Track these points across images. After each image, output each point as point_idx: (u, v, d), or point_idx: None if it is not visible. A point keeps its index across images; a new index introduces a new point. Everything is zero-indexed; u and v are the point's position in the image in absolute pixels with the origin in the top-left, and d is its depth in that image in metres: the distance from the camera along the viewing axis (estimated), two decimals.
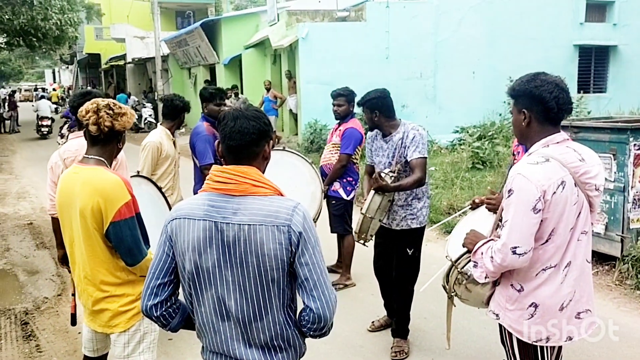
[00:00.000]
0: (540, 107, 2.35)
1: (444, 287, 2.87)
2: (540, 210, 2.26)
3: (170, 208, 3.60)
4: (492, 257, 2.36)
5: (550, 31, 14.69)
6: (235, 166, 1.87)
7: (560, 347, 2.55)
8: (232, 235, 1.81)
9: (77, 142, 3.52)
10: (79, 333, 4.57)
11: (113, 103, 2.64)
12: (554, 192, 2.27)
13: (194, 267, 1.86)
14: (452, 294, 2.81)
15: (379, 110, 3.96)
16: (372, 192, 3.83)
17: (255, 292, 1.83)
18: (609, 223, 5.35)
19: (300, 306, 1.93)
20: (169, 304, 1.96)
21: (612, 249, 5.36)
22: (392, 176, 3.84)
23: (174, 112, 4.78)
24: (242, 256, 1.81)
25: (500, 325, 2.57)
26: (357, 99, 4.31)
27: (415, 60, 14.04)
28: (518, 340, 2.46)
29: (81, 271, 2.66)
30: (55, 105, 22.89)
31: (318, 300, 1.83)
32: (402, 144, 3.89)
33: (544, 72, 2.45)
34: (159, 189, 3.68)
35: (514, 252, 2.27)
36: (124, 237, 2.54)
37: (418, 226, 4.03)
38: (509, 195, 2.32)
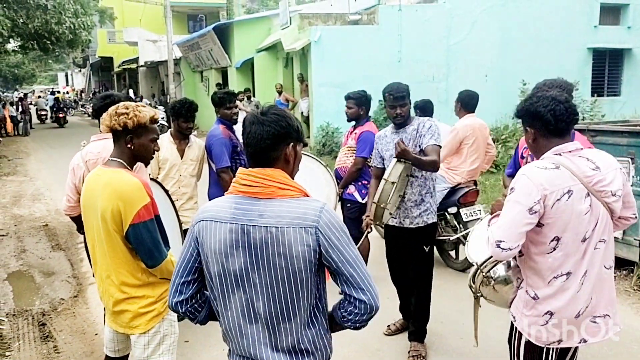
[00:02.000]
0: (539, 122, 2.44)
1: (470, 287, 2.88)
2: (536, 212, 2.30)
3: (177, 213, 3.59)
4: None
5: (564, 34, 14.62)
6: (260, 169, 1.87)
7: (576, 348, 2.60)
8: (259, 238, 1.81)
9: (100, 144, 3.54)
10: (96, 334, 4.60)
11: (123, 104, 2.66)
12: (558, 199, 2.30)
13: (220, 270, 1.87)
14: (479, 294, 2.83)
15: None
16: (394, 160, 3.78)
17: (284, 294, 1.83)
18: (626, 228, 5.28)
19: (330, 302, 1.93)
20: (194, 300, 1.99)
21: (630, 253, 5.30)
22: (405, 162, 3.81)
23: (171, 117, 4.76)
24: (270, 258, 1.81)
25: (511, 325, 2.63)
26: (374, 102, 4.29)
27: (428, 64, 14.02)
28: (527, 341, 2.51)
29: (103, 272, 2.69)
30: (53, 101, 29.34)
31: (368, 292, 1.85)
32: (417, 133, 3.93)
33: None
34: (166, 191, 3.67)
35: (498, 246, 2.33)
36: (143, 239, 2.56)
37: (434, 220, 4.06)
38: (510, 193, 2.39)
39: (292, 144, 1.91)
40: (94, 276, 3.18)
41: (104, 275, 2.69)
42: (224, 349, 2.12)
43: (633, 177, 5.22)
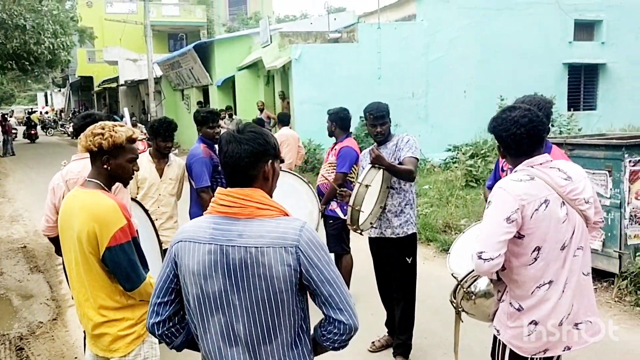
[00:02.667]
0: (502, 143, 2.53)
1: (451, 302, 2.89)
2: (514, 221, 2.35)
3: (157, 233, 3.55)
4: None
5: (540, 50, 14.91)
6: (239, 189, 1.85)
7: (559, 357, 2.62)
8: (238, 259, 1.78)
9: (81, 164, 3.50)
10: (75, 358, 4.51)
11: (99, 124, 2.62)
12: (536, 210, 2.36)
13: (199, 292, 1.84)
14: (460, 309, 2.84)
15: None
16: (368, 165, 3.91)
17: (265, 316, 1.80)
18: (606, 239, 5.37)
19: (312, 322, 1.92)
20: (171, 323, 1.95)
21: (611, 265, 5.37)
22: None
23: (150, 136, 4.74)
24: (250, 280, 1.79)
25: (494, 339, 2.65)
26: (355, 119, 4.34)
27: (407, 80, 14.18)
28: (511, 353, 2.53)
29: (81, 295, 2.63)
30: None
31: (346, 312, 1.83)
32: (397, 148, 4.06)
33: (513, 107, 2.58)
34: (146, 211, 3.63)
35: (480, 257, 2.36)
36: (120, 262, 2.50)
37: (414, 231, 4.16)
38: (488, 206, 2.45)
39: (270, 161, 1.90)
40: (73, 298, 3.13)
41: (82, 299, 2.63)
42: None
43: (611, 189, 5.30)
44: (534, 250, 2.40)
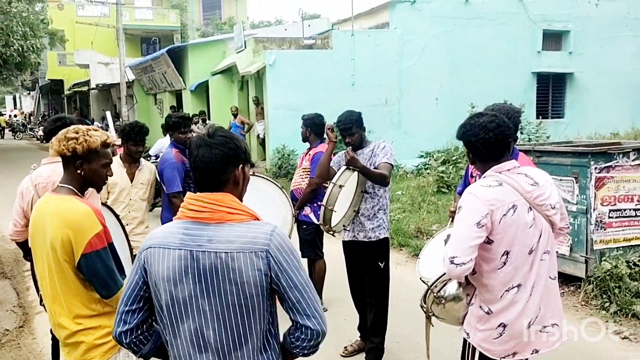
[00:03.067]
0: (472, 149, 2.58)
1: (422, 307, 2.93)
2: (484, 226, 2.40)
3: (128, 239, 3.50)
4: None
5: (509, 59, 15.19)
6: (209, 194, 1.84)
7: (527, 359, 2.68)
8: (208, 264, 1.77)
9: (50, 168, 3.44)
10: None
11: (73, 128, 2.57)
12: (504, 215, 2.42)
13: (169, 298, 1.82)
14: (430, 313, 2.88)
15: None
16: (343, 167, 3.96)
17: (235, 321, 1.80)
18: (573, 244, 5.49)
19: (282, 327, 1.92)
20: (139, 331, 1.93)
21: (577, 270, 5.49)
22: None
23: (121, 140, 4.68)
24: (220, 285, 1.77)
25: (464, 342, 2.70)
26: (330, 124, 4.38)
27: (381, 87, 14.30)
28: (480, 355, 2.58)
29: (55, 303, 2.55)
30: None
31: (314, 318, 1.83)
32: (372, 153, 4.11)
33: (480, 113, 2.63)
34: (117, 216, 3.59)
35: (452, 262, 2.40)
36: (96, 269, 2.45)
37: (386, 236, 4.21)
38: (458, 212, 2.49)
39: (240, 165, 1.89)
40: (41, 304, 3.07)
41: (56, 307, 2.55)
42: None
43: (577, 195, 5.43)
44: (502, 255, 2.46)
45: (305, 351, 1.89)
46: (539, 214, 2.50)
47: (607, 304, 5.03)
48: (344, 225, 4.11)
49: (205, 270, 1.78)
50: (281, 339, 1.95)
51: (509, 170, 2.52)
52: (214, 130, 1.90)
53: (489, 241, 2.45)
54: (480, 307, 2.57)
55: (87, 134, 2.53)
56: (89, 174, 2.57)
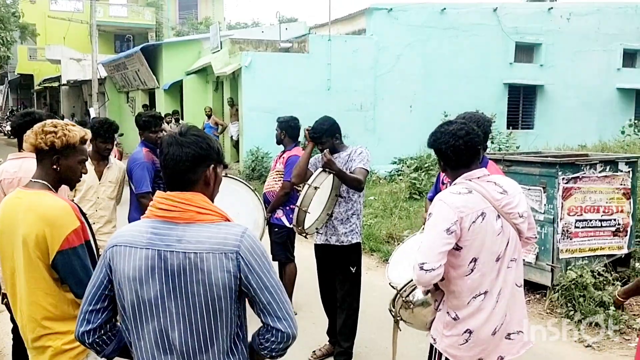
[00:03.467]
0: (442, 156, 2.61)
1: (390, 311, 2.94)
2: (453, 232, 2.42)
3: (94, 238, 3.42)
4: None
5: (482, 70, 15.44)
6: (179, 193, 1.81)
7: None
8: (176, 264, 1.75)
9: (17, 164, 3.34)
10: None
11: (50, 122, 2.50)
12: (473, 222, 2.44)
13: (134, 298, 1.78)
14: (398, 318, 2.90)
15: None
16: (319, 170, 3.97)
17: (202, 323, 1.77)
18: (539, 253, 5.59)
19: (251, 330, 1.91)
20: (102, 331, 1.89)
21: (543, 278, 5.59)
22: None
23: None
24: (188, 286, 1.75)
25: (430, 347, 2.72)
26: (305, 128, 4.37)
27: (356, 93, 14.37)
28: None
29: (23, 304, 2.46)
30: None
31: (285, 321, 1.81)
32: (349, 158, 4.12)
33: (450, 121, 2.67)
34: (84, 215, 3.52)
35: (421, 268, 2.42)
36: (73, 267, 2.37)
37: (358, 241, 4.22)
38: (429, 218, 2.52)
39: (212, 165, 1.86)
40: (3, 302, 2.98)
41: (23, 309, 2.46)
42: None
43: (544, 205, 5.53)
44: (470, 262, 2.49)
45: (274, 353, 1.87)
46: (507, 222, 2.54)
47: (571, 313, 5.13)
48: (316, 228, 4.11)
49: (173, 270, 1.75)
50: (249, 339, 1.93)
51: (478, 178, 2.56)
52: (187, 128, 1.87)
53: (457, 247, 2.48)
54: (448, 312, 2.59)
55: (66, 129, 2.46)
56: (64, 170, 2.49)
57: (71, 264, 2.38)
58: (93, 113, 12.16)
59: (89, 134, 2.60)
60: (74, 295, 2.44)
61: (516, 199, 2.58)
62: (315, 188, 3.89)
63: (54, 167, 2.46)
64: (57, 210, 2.38)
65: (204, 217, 1.80)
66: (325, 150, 4.01)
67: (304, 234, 4.14)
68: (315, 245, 4.37)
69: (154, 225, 1.81)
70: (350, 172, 4.01)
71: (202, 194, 1.84)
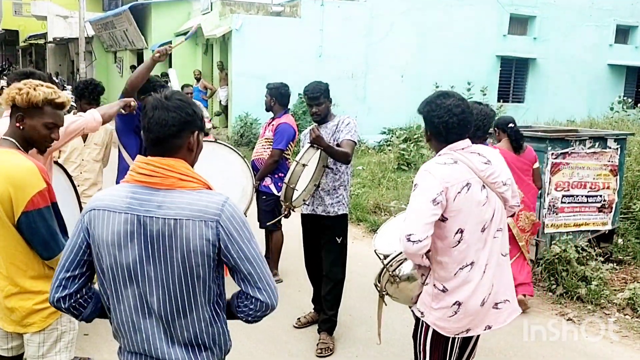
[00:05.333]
0: (433, 129, 2.58)
1: (376, 286, 2.94)
2: (439, 203, 2.42)
3: (79, 200, 3.37)
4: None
5: (475, 41, 15.30)
6: (161, 158, 1.78)
7: (478, 336, 2.77)
8: (156, 230, 1.73)
9: (4, 121, 3.26)
10: None
11: (25, 81, 2.45)
12: (459, 192, 2.45)
13: (113, 262, 1.77)
14: (384, 292, 2.90)
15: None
16: (307, 145, 3.94)
17: (180, 289, 1.77)
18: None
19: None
20: (79, 295, 1.87)
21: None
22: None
23: (75, 98, 4.46)
24: (167, 252, 1.74)
25: (416, 321, 2.73)
26: (294, 96, 4.31)
27: (348, 61, 14.21)
28: (433, 333, 2.62)
29: None
30: None
31: (265, 292, 1.81)
32: (337, 129, 4.08)
33: (446, 93, 2.61)
34: (69, 176, 3.44)
35: (408, 239, 2.41)
36: (38, 229, 2.35)
37: (345, 212, 4.21)
38: (414, 189, 2.50)
39: (196, 132, 1.84)
40: None
41: None
42: None
43: None
44: (457, 233, 2.49)
45: (250, 318, 1.88)
46: (492, 191, 2.55)
47: (554, 286, 5.20)
48: (304, 200, 4.09)
49: (152, 236, 1.74)
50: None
51: (462, 149, 2.55)
52: (171, 92, 1.83)
53: (443, 219, 2.47)
54: (435, 285, 2.59)
55: (33, 87, 2.39)
56: (29, 130, 2.43)
57: (36, 226, 2.35)
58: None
59: (61, 97, 2.49)
60: (40, 257, 2.42)
61: (499, 168, 2.59)
62: (304, 165, 3.87)
63: (17, 125, 2.42)
64: (22, 170, 2.33)
65: (185, 184, 1.77)
66: (313, 125, 3.95)
67: (292, 208, 4.12)
68: (302, 214, 4.35)
69: (134, 190, 1.78)
70: (337, 144, 3.97)
71: (184, 160, 1.82)
